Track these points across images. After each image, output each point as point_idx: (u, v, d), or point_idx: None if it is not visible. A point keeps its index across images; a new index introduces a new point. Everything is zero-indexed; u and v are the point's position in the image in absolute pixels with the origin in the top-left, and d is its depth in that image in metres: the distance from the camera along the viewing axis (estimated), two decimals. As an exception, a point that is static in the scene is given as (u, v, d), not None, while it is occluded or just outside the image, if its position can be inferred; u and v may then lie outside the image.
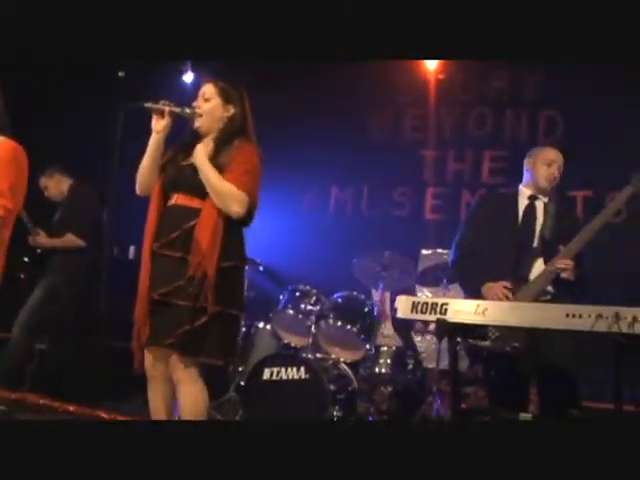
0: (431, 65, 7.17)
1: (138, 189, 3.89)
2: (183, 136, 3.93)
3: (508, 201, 4.55)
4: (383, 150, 7.36)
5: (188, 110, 3.81)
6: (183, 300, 3.57)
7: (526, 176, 4.55)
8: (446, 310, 3.54)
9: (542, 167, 4.46)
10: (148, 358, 3.75)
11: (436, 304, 3.58)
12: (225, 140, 3.77)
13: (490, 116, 7.18)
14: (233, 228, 3.75)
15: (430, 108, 7.29)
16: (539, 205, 4.47)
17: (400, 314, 3.71)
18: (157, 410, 3.78)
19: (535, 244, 4.36)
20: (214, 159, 3.70)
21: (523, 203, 4.48)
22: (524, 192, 4.52)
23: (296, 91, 7.37)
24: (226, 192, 3.65)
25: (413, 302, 3.66)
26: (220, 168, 3.68)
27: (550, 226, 4.38)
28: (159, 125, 3.79)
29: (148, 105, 3.78)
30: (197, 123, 3.83)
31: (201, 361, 3.68)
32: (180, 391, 3.68)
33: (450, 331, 3.63)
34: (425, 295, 6.06)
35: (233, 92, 3.87)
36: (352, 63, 6.89)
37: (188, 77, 7.99)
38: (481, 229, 4.51)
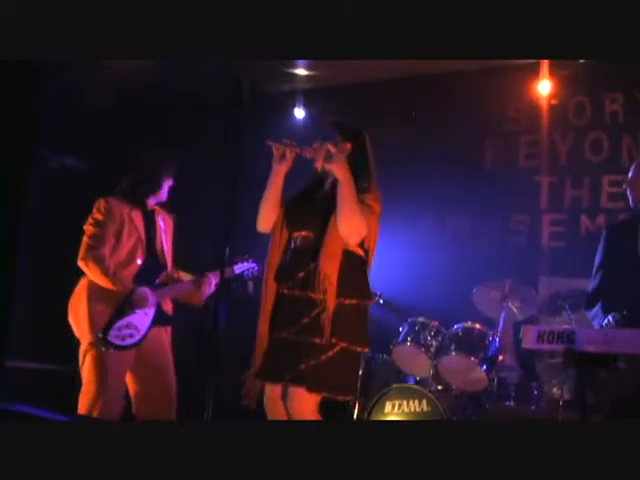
0: (544, 90, 7.06)
1: (259, 226, 3.93)
2: (306, 177, 3.96)
3: (630, 227, 4.34)
4: (498, 178, 7.29)
5: (309, 154, 3.78)
6: (309, 337, 3.61)
7: None
8: (574, 339, 3.48)
9: None
10: (268, 394, 3.78)
11: (563, 333, 3.52)
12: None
13: (606, 140, 7.04)
14: (357, 266, 3.77)
15: (544, 134, 7.20)
16: None
17: (526, 344, 3.66)
18: None
19: None
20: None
21: None
22: None
23: (407, 124, 7.40)
24: (357, 217, 3.65)
25: (539, 331, 3.61)
26: None
27: None
28: (280, 163, 3.81)
29: (270, 142, 3.77)
30: (319, 165, 3.81)
31: (325, 396, 3.70)
32: None
33: (578, 361, 3.57)
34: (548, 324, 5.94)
35: (356, 136, 3.87)
36: (464, 96, 6.91)
37: (299, 113, 7.99)
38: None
